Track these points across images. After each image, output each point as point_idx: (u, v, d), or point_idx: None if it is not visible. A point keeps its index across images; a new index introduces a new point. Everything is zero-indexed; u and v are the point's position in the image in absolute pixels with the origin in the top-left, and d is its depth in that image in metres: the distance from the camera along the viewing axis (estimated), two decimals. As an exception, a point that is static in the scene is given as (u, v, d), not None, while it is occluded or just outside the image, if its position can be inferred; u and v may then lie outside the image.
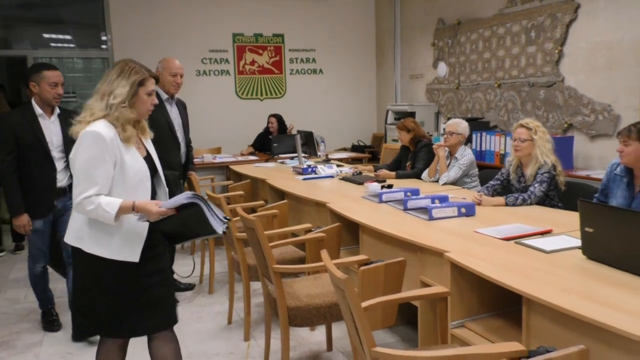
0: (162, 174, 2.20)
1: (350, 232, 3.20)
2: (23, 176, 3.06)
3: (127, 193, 1.99)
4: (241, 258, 3.05)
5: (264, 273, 2.66)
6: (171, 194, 2.17)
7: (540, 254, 2.20)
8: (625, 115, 4.22)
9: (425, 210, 2.93)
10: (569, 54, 4.73)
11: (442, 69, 6.47)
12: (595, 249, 2.07)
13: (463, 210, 2.92)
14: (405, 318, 3.08)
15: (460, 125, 3.96)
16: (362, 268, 2.18)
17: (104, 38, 6.66)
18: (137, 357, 2.40)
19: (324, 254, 1.89)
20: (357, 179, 4.18)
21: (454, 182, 3.90)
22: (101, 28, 6.63)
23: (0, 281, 4.39)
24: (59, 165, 3.12)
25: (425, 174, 4.14)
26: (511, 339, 1.76)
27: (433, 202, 3.04)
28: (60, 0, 6.58)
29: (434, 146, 4.10)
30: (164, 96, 3.68)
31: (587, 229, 2.07)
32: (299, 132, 5.71)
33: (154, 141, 3.41)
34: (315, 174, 4.58)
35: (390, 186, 3.65)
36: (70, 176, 3.10)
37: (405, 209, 3.07)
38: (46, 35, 6.68)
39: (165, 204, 1.98)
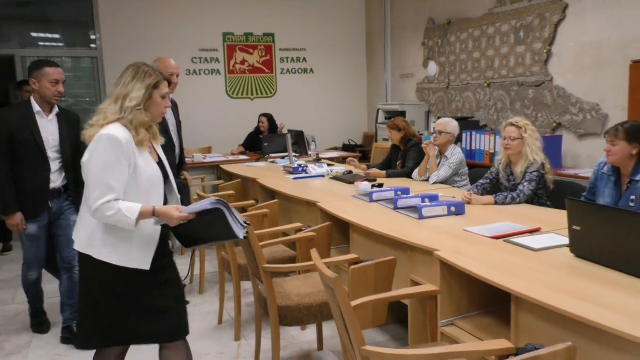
0: (173, 180, 2.16)
1: (341, 231, 3.20)
2: (15, 175, 2.96)
3: (140, 198, 1.94)
4: (232, 258, 3.05)
5: (255, 273, 2.66)
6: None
7: (528, 252, 2.22)
8: (613, 115, 4.26)
9: (415, 209, 2.94)
10: (557, 54, 4.77)
11: (433, 68, 6.50)
12: (582, 247, 2.09)
13: (453, 209, 2.94)
14: (395, 317, 3.09)
15: (450, 125, 3.98)
16: (352, 267, 2.18)
17: (92, 37, 6.61)
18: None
19: (314, 253, 1.89)
20: (347, 179, 4.19)
21: (444, 181, 3.92)
22: (90, 27, 6.59)
23: (-12, 282, 4.35)
24: (54, 165, 3.03)
25: (415, 173, 4.15)
26: (500, 336, 1.77)
27: (423, 201, 3.05)
28: (49, -2, 6.53)
29: (423, 145, 4.11)
30: None
31: (574, 227, 2.09)
32: (289, 131, 5.71)
33: None
34: (306, 173, 4.58)
35: (380, 185, 3.66)
36: (65, 177, 3.07)
37: (396, 208, 3.08)
38: (34, 34, 6.62)
39: (187, 209, 1.95)
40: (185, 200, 2.18)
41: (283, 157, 5.63)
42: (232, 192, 4.21)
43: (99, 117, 1.98)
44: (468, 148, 5.22)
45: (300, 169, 4.64)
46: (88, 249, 1.96)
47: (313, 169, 4.64)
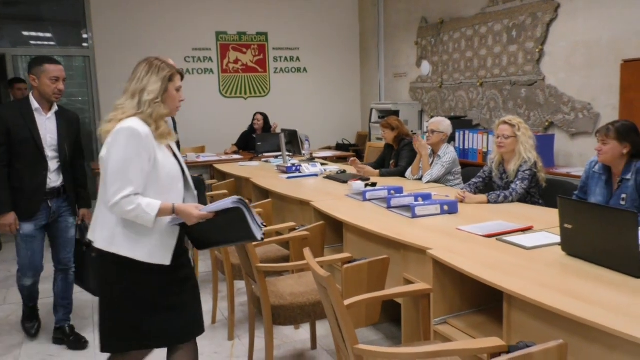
0: (189, 176, 2.13)
1: (335, 230, 3.20)
2: (11, 173, 2.86)
3: (160, 194, 1.92)
4: (225, 257, 3.04)
5: (248, 272, 2.66)
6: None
7: (520, 250, 2.23)
8: (604, 114, 4.29)
9: (408, 208, 2.95)
10: (549, 53, 4.79)
11: (426, 67, 6.52)
12: (574, 245, 2.10)
13: (446, 207, 2.95)
14: (389, 316, 3.10)
15: (442, 124, 3.99)
16: (345, 266, 2.18)
17: (85, 36, 6.58)
18: None
19: (307, 252, 1.89)
20: (341, 178, 4.19)
21: (437, 180, 3.93)
22: (82, 25, 6.55)
23: (-21, 283, 4.32)
24: (52, 165, 2.93)
25: (409, 172, 4.16)
26: (493, 334, 1.78)
27: (416, 200, 3.06)
28: (40, -3, 6.49)
29: (414, 139, 4.10)
30: None
31: (566, 225, 2.10)
32: (283, 130, 5.70)
33: None
34: (300, 172, 4.58)
35: (374, 184, 3.67)
36: (64, 177, 2.99)
37: (389, 207, 3.09)
38: (26, 33, 6.58)
39: (207, 207, 1.93)
40: (202, 197, 2.15)
41: (276, 157, 5.62)
42: (225, 191, 4.20)
43: (117, 112, 1.95)
44: (461, 147, 5.24)
45: (294, 168, 4.64)
46: (110, 246, 1.91)
47: (306, 168, 4.64)
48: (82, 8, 6.46)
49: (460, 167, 4.05)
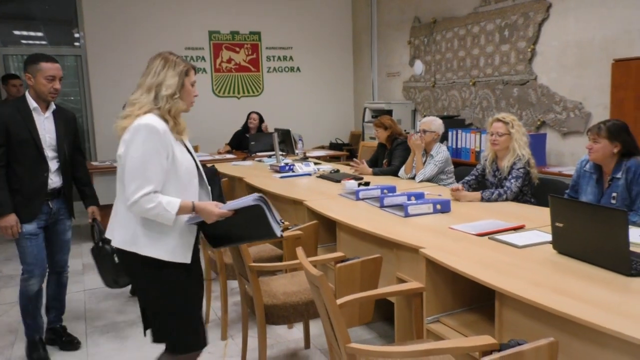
0: (203, 173, 2.11)
1: (328, 229, 3.21)
2: (11, 175, 2.76)
3: (179, 192, 1.90)
4: (218, 257, 3.04)
5: (241, 271, 2.66)
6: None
7: (512, 249, 2.24)
8: (596, 113, 4.32)
9: (401, 207, 2.96)
10: (541, 53, 4.82)
11: (419, 67, 6.53)
12: (565, 243, 2.12)
13: (438, 206, 2.96)
14: (382, 315, 3.11)
15: (434, 123, 4.01)
16: (338, 265, 2.19)
17: (76, 35, 6.54)
18: None
19: (299, 251, 1.89)
20: (334, 177, 4.20)
21: (430, 179, 3.94)
22: (74, 24, 6.51)
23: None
24: (52, 165, 2.85)
25: (402, 171, 4.17)
26: (485, 332, 1.79)
27: (409, 199, 3.07)
28: (31, -4, 6.45)
29: (408, 138, 4.10)
30: None
31: (557, 224, 2.12)
32: (276, 130, 5.70)
33: None
34: (293, 172, 4.58)
35: (367, 184, 3.68)
36: (65, 178, 2.93)
37: (382, 206, 3.09)
38: (17, 32, 6.54)
39: (227, 205, 1.92)
40: (216, 188, 2.13)
41: (270, 156, 5.62)
42: (218, 191, 4.19)
43: (133, 107, 1.91)
44: (454, 146, 5.26)
45: (287, 167, 4.64)
46: (132, 246, 1.89)
47: (300, 167, 4.64)
48: (73, 7, 6.42)
49: (452, 167, 4.06)
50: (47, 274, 3.05)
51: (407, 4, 6.64)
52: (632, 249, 1.97)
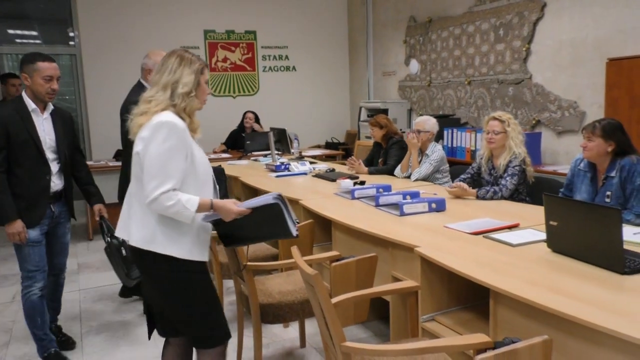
0: (212, 172, 2.11)
1: (323, 228, 3.21)
2: (12, 179, 2.66)
3: (197, 190, 1.89)
4: (213, 256, 3.03)
5: (236, 271, 2.65)
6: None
7: (507, 247, 2.25)
8: (590, 112, 4.34)
9: (396, 206, 2.96)
10: (536, 52, 4.83)
11: (414, 66, 6.54)
12: (559, 241, 2.12)
13: (434, 205, 2.96)
14: (378, 313, 3.11)
15: (428, 123, 4.02)
16: (333, 264, 2.19)
17: (71, 34, 6.52)
18: None
19: (294, 250, 1.89)
20: (330, 176, 4.20)
21: (426, 178, 3.95)
22: (68, 23, 6.49)
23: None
24: (53, 167, 2.77)
25: (398, 170, 4.18)
26: (480, 331, 1.79)
27: (404, 198, 3.07)
28: (26, -5, 6.42)
29: (405, 134, 4.11)
30: None
31: (551, 222, 2.12)
32: (272, 129, 5.70)
33: None
34: (289, 171, 4.58)
35: (362, 183, 3.68)
36: (66, 180, 2.87)
37: (377, 205, 3.10)
38: (11, 31, 6.51)
39: (245, 203, 1.92)
40: (222, 188, 2.13)
41: (265, 155, 5.61)
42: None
43: (149, 105, 1.89)
44: (449, 145, 5.27)
45: (283, 166, 4.64)
46: (151, 245, 1.87)
47: (295, 166, 4.64)
48: (68, 6, 6.39)
49: (448, 165, 4.07)
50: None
51: (402, 3, 6.65)
52: (626, 247, 1.98)
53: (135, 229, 1.90)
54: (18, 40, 6.56)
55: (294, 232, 1.94)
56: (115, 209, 5.47)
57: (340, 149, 6.94)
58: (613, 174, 2.74)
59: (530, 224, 2.57)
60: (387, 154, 4.40)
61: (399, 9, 6.73)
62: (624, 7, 4.05)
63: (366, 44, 7.40)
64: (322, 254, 2.68)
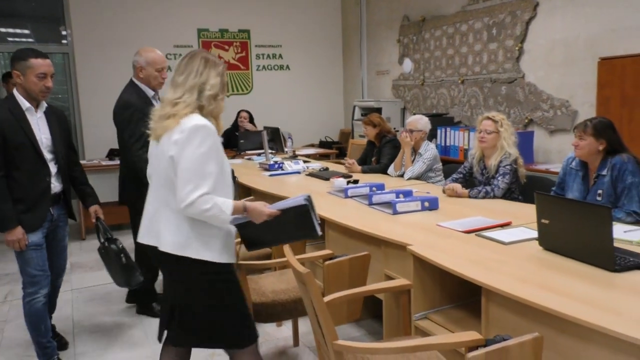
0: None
1: (316, 227, 3.21)
2: (11, 183, 2.54)
3: (224, 193, 1.89)
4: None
5: (229, 270, 2.65)
6: None
7: (499, 245, 2.26)
8: (582, 111, 4.36)
9: (389, 204, 2.97)
10: (528, 51, 4.85)
11: (408, 65, 6.55)
12: (550, 239, 2.14)
13: (426, 204, 2.97)
14: (371, 312, 3.11)
15: (420, 122, 4.03)
16: (326, 262, 2.19)
17: (64, 32, 6.48)
18: None
19: (287, 248, 1.89)
20: (323, 175, 4.20)
21: (419, 177, 3.96)
22: (61, 22, 6.45)
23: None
24: (52, 168, 2.68)
25: (391, 169, 4.19)
26: (472, 328, 1.80)
27: (397, 197, 3.08)
28: (17, -7, 6.37)
29: (399, 133, 4.12)
30: (150, 93, 3.29)
31: (543, 220, 2.13)
32: (265, 128, 5.69)
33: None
34: (282, 170, 4.58)
35: (355, 181, 3.68)
36: (64, 181, 2.78)
37: (370, 204, 3.10)
38: (2, 30, 6.46)
39: (275, 205, 1.93)
40: (235, 190, 2.14)
41: (259, 154, 5.61)
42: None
43: (176, 107, 1.86)
44: (443, 144, 5.28)
45: (276, 165, 4.63)
46: (185, 250, 1.86)
47: (289, 165, 4.64)
48: (60, 4, 6.35)
49: (441, 164, 4.09)
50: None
51: (396, 2, 6.65)
52: (616, 245, 1.99)
53: (168, 234, 1.88)
54: (10, 39, 6.51)
55: (319, 232, 1.96)
56: (108, 208, 5.43)
57: (334, 148, 6.94)
58: (604, 172, 2.75)
59: (522, 222, 2.58)
60: (381, 153, 4.41)
61: (392, 8, 6.74)
62: (616, 6, 4.07)
63: (360, 43, 7.41)
64: (315, 252, 2.69)
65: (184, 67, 1.93)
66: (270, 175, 4.42)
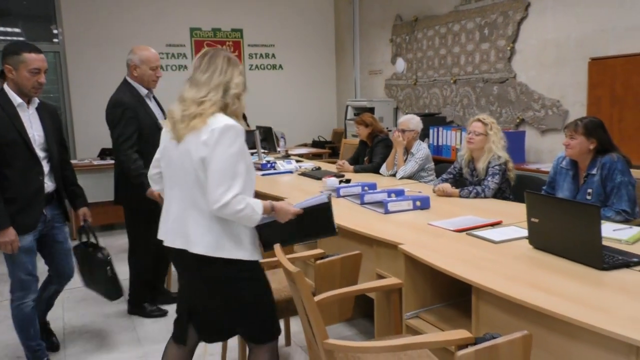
0: None
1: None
2: (3, 182, 2.46)
3: (250, 192, 1.89)
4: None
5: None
6: None
7: (489, 244, 2.27)
8: (573, 111, 4.39)
9: (381, 204, 2.97)
10: (520, 51, 4.87)
11: (400, 64, 6.56)
12: (540, 238, 2.15)
13: (418, 203, 2.98)
14: (363, 311, 3.12)
15: (412, 121, 4.04)
16: (318, 262, 2.19)
17: (55, 31, 6.44)
18: None
19: (278, 248, 1.89)
20: (315, 174, 4.20)
21: (411, 176, 3.97)
22: (52, 20, 6.41)
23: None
24: (45, 166, 2.59)
25: (383, 168, 4.20)
26: (463, 327, 1.80)
27: (389, 196, 3.08)
28: (8, -9, 6.32)
29: (391, 133, 4.13)
30: (143, 91, 3.29)
31: (533, 219, 2.15)
32: (258, 127, 5.68)
33: (144, 142, 3.07)
34: (275, 169, 4.57)
35: (348, 181, 3.69)
36: (57, 180, 2.69)
37: (362, 203, 3.11)
38: (-7, 28, 6.41)
39: (299, 204, 1.95)
40: None
41: (252, 154, 5.58)
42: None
43: (202, 106, 1.82)
44: (435, 144, 5.29)
45: (269, 165, 4.63)
46: (218, 251, 1.85)
47: (281, 165, 4.63)
48: (52, 2, 6.31)
49: (433, 164, 4.10)
50: (48, 283, 2.88)
51: (388, 2, 6.66)
52: (606, 243, 2.01)
53: (200, 236, 1.86)
54: (1, 37, 6.47)
55: (336, 229, 2.05)
56: (100, 208, 5.38)
57: (327, 148, 6.94)
58: (594, 171, 2.77)
59: (512, 221, 2.59)
60: (373, 152, 4.42)
61: (385, 8, 6.75)
62: (606, 7, 4.10)
63: (353, 43, 7.41)
64: (306, 251, 2.69)
65: (206, 65, 1.89)
66: (263, 175, 4.41)
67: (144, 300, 3.47)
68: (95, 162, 5.55)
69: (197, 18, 6.98)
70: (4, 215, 2.44)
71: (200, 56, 1.93)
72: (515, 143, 4.54)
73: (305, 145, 7.29)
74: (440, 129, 5.27)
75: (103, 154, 5.74)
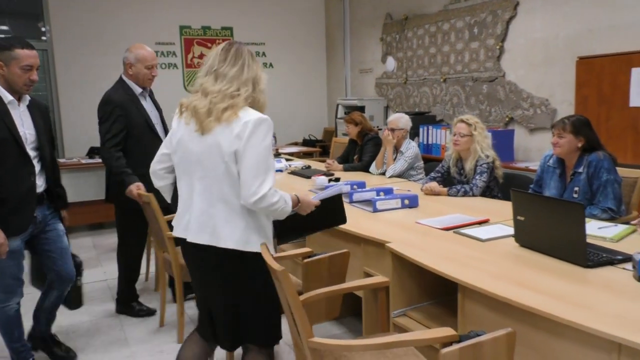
0: None
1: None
2: None
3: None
4: (173, 257, 2.92)
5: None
6: None
7: (476, 242, 2.28)
8: (561, 109, 4.42)
9: (370, 202, 2.97)
10: (509, 50, 4.90)
11: (391, 63, 6.57)
12: (526, 236, 2.16)
13: (406, 201, 2.98)
14: (351, 310, 3.12)
15: (401, 120, 4.05)
16: (305, 260, 2.19)
17: (43, 29, 6.39)
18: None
19: (263, 247, 1.89)
20: (305, 173, 4.20)
21: (400, 175, 3.98)
22: (40, 18, 6.35)
23: None
24: (36, 166, 2.50)
25: (373, 167, 4.20)
26: (449, 325, 1.81)
27: (378, 195, 3.09)
28: (-5, -12, 6.26)
29: (381, 132, 4.14)
30: (137, 90, 3.23)
31: (519, 217, 2.16)
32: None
33: (134, 141, 3.06)
34: (264, 168, 4.55)
35: (337, 179, 3.69)
36: (47, 179, 2.59)
37: (351, 202, 3.11)
38: (-20, 25, 6.35)
39: (317, 196, 1.99)
40: None
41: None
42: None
43: (235, 99, 1.81)
44: (425, 142, 5.31)
45: (259, 163, 4.61)
46: (246, 245, 1.85)
47: (271, 163, 4.61)
48: (39, 0, 6.26)
49: (422, 162, 4.11)
50: (49, 289, 2.76)
51: (379, 0, 6.67)
52: (591, 241, 2.02)
53: (229, 231, 1.84)
54: (-13, 35, 6.41)
55: (346, 218, 2.16)
56: (89, 207, 5.30)
57: (317, 146, 6.94)
58: (580, 169, 2.79)
59: (500, 219, 2.61)
60: (362, 151, 4.42)
61: (375, 6, 6.76)
62: (593, 6, 4.12)
63: (343, 41, 7.41)
64: (294, 250, 2.68)
65: (232, 59, 1.88)
66: (252, 174, 4.39)
67: (131, 300, 3.45)
68: (83, 161, 5.51)
69: (186, 16, 6.94)
70: None
71: (224, 50, 1.91)
72: (504, 141, 4.57)
73: (296, 143, 7.28)
74: (430, 127, 5.28)
75: (92, 152, 5.70)
